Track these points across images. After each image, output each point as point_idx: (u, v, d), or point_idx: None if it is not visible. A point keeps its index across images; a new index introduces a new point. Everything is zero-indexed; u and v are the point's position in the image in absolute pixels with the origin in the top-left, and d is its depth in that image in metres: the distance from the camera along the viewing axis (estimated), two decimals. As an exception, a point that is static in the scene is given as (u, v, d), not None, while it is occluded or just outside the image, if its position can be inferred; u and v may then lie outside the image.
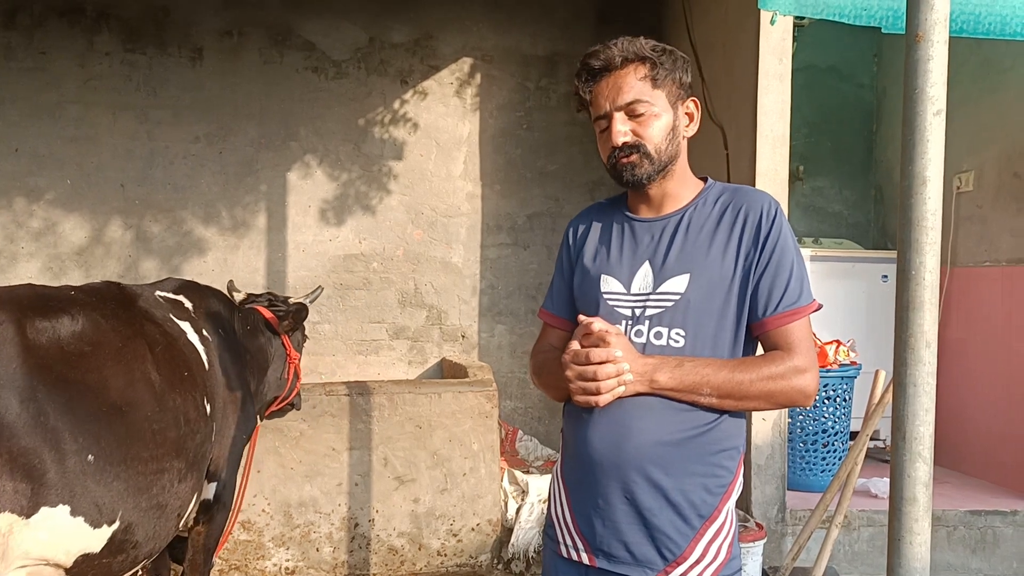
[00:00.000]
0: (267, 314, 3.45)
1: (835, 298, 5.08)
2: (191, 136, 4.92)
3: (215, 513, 2.96)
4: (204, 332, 2.91)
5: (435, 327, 5.29)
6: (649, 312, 1.72)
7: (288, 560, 4.41)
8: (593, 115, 1.81)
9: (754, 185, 4.08)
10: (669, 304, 1.71)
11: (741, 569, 1.76)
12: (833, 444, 4.48)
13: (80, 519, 2.18)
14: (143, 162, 4.86)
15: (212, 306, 3.14)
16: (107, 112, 4.81)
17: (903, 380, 2.61)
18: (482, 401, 4.53)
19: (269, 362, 3.45)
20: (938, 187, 1.64)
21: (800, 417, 4.48)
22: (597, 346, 1.62)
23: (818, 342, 4.54)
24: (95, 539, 2.25)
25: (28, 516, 2.08)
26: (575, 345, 1.65)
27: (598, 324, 1.63)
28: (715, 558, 1.68)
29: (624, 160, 1.76)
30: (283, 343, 3.52)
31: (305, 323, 3.78)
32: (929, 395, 1.74)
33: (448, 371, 5.22)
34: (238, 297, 3.54)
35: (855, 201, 6.21)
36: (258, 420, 3.62)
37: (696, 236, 1.74)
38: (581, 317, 1.69)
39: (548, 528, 1.84)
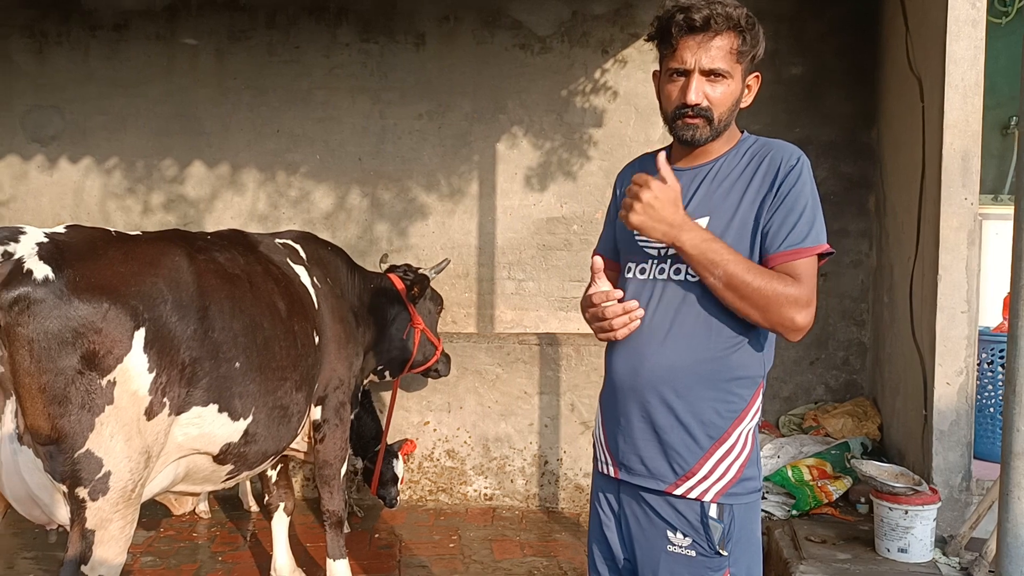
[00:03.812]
0: (399, 285, 4.05)
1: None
2: (415, 113, 5.56)
3: (327, 432, 3.52)
4: (315, 278, 3.47)
5: (631, 286, 5.55)
6: (672, 252, 1.92)
7: (487, 488, 4.96)
8: (670, 63, 1.95)
9: (941, 138, 3.90)
10: None
11: (760, 490, 1.92)
12: (1040, 416, 4.16)
13: (225, 415, 2.80)
14: (376, 138, 5.59)
15: (324, 257, 3.71)
16: (347, 95, 5.58)
17: (1015, 333, 2.56)
18: (664, 355, 4.75)
19: (389, 321, 4.00)
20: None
21: (1002, 386, 4.20)
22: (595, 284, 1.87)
23: None
24: (235, 431, 2.86)
25: (183, 414, 2.70)
26: (590, 289, 1.91)
27: (598, 261, 1.88)
28: (724, 475, 1.86)
29: (689, 120, 1.94)
30: (408, 309, 4.10)
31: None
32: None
33: (643, 328, 5.46)
34: (383, 266, 4.21)
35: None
36: (387, 375, 4.24)
37: (720, 183, 1.91)
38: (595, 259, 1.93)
39: (593, 447, 2.12)
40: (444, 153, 5.56)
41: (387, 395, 5.06)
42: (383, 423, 4.71)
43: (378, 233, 5.61)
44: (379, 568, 4.14)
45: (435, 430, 5.03)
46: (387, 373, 4.32)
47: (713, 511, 1.83)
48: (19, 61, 5.60)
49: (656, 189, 1.82)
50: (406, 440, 4.84)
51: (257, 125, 5.60)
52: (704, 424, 1.86)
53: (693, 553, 1.84)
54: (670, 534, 1.86)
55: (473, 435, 4.99)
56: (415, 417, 5.03)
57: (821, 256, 1.87)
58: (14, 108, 5.62)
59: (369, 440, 4.63)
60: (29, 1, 5.56)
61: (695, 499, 1.85)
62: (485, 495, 4.98)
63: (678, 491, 1.87)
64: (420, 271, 4.33)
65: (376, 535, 4.58)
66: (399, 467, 4.59)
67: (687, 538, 1.84)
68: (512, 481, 4.96)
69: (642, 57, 5.47)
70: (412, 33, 5.52)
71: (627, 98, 5.47)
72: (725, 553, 1.82)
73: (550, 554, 4.35)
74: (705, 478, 1.86)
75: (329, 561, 3.64)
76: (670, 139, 2.07)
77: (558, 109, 5.50)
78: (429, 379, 4.89)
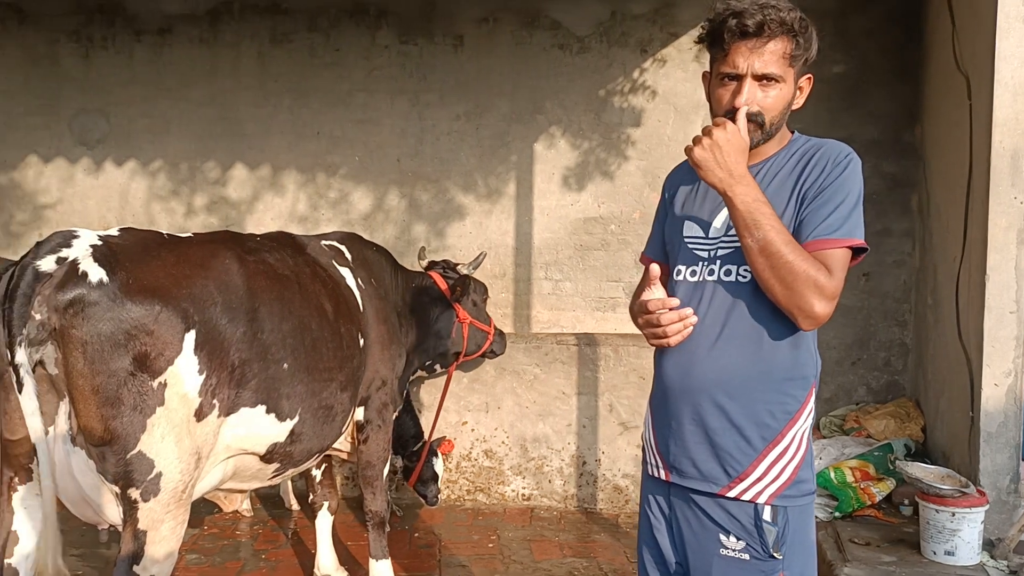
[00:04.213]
0: (442, 284, 4.07)
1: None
2: (453, 114, 5.59)
3: (370, 433, 3.53)
4: (359, 280, 3.48)
5: (670, 286, 5.52)
6: (721, 253, 1.92)
7: (524, 488, 4.97)
8: (722, 68, 1.91)
9: (990, 136, 3.84)
10: (738, 245, 1.88)
11: (814, 492, 1.90)
12: (1091, 419, 4.08)
13: (272, 416, 2.82)
14: (414, 139, 5.62)
15: (369, 258, 3.72)
16: (386, 97, 5.62)
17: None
18: (703, 356, 4.73)
19: (433, 320, 4.02)
20: None
21: (1051, 387, 4.12)
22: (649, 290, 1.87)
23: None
24: (281, 431, 2.89)
25: (232, 415, 2.72)
26: (644, 296, 1.91)
27: (655, 269, 1.88)
28: (777, 477, 1.84)
29: None
30: (453, 306, 4.13)
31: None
32: None
33: (682, 328, 5.44)
34: (422, 264, 4.22)
35: None
36: (438, 368, 4.27)
37: (769, 183, 1.90)
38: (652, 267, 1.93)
39: (642, 451, 2.11)
40: (482, 154, 5.58)
41: (426, 395, 5.09)
42: (421, 422, 4.74)
43: (416, 234, 5.64)
44: (419, 567, 4.17)
45: (473, 430, 5.05)
46: (437, 366, 4.35)
47: (767, 513, 1.81)
48: (66, 66, 5.72)
49: (731, 132, 1.82)
50: (444, 439, 4.87)
51: (298, 127, 5.66)
52: (758, 426, 1.84)
53: (747, 556, 1.82)
54: (723, 537, 1.85)
55: (511, 435, 5.00)
56: (453, 417, 5.05)
57: (856, 254, 1.85)
58: (61, 112, 5.74)
59: (408, 439, 4.66)
60: (76, 6, 5.67)
61: (748, 501, 1.84)
62: (523, 495, 4.99)
63: (731, 493, 1.85)
64: (459, 267, 4.35)
65: (415, 534, 4.61)
66: (439, 465, 4.62)
67: (740, 541, 1.83)
68: (550, 481, 4.96)
69: (681, 57, 5.44)
70: (451, 35, 5.55)
71: (666, 97, 5.45)
72: (779, 556, 1.80)
73: (590, 555, 4.34)
74: (759, 480, 1.84)
75: (372, 561, 3.66)
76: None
77: (596, 109, 5.50)
78: (468, 378, 4.93)
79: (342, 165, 5.67)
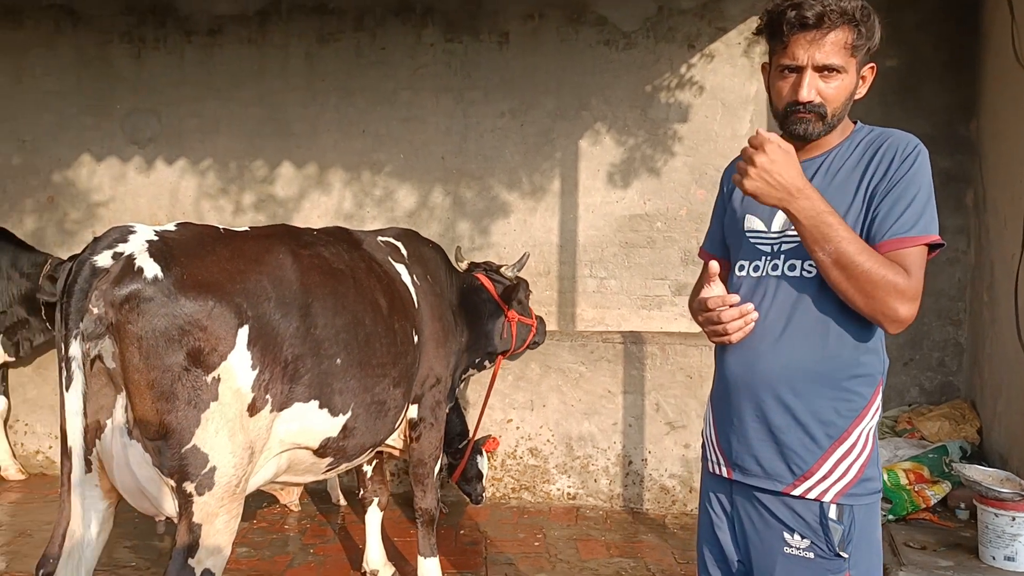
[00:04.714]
0: (489, 286, 4.06)
1: None
2: (498, 112, 5.58)
3: (423, 431, 3.50)
4: (415, 276, 3.46)
5: (717, 284, 5.46)
6: (785, 247, 1.88)
7: (570, 487, 4.95)
8: (781, 60, 1.87)
9: (1052, 131, 3.73)
10: None
11: (880, 491, 1.85)
12: None
13: (325, 411, 2.82)
14: (459, 136, 5.63)
15: (425, 255, 3.70)
16: (431, 95, 5.63)
17: None
18: (752, 355, 4.67)
19: (483, 318, 4.00)
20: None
21: (1116, 389, 4.00)
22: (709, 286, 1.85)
23: None
24: (334, 426, 2.88)
25: (285, 410, 2.72)
26: (704, 292, 1.88)
27: (714, 265, 1.85)
28: (844, 475, 1.80)
29: (801, 115, 1.87)
30: (501, 305, 4.11)
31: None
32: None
33: (729, 327, 5.37)
34: (462, 265, 4.21)
35: None
36: (486, 365, 4.25)
37: (833, 176, 1.86)
38: (711, 264, 1.90)
39: (702, 448, 2.08)
40: (526, 151, 5.57)
41: (471, 392, 5.09)
42: (467, 420, 4.74)
43: (460, 231, 5.64)
44: (466, 564, 4.16)
45: (518, 428, 5.04)
46: (486, 363, 4.34)
47: (833, 512, 1.78)
48: (119, 66, 5.82)
49: (771, 153, 1.76)
50: (489, 437, 4.86)
51: (344, 126, 5.69)
52: (823, 423, 1.81)
53: (811, 555, 1.79)
54: (787, 535, 1.81)
55: (556, 433, 4.98)
56: (498, 415, 5.04)
57: (932, 249, 1.81)
58: (114, 112, 5.84)
59: (453, 436, 4.66)
60: (128, 8, 5.76)
61: (814, 499, 1.80)
62: (568, 494, 4.97)
63: (796, 491, 1.82)
64: (501, 268, 4.33)
65: (461, 531, 4.61)
66: (484, 464, 4.61)
67: (805, 540, 1.79)
68: (596, 481, 4.93)
69: (729, 52, 5.38)
70: (496, 32, 5.54)
71: (713, 92, 5.39)
72: (845, 555, 1.76)
73: (636, 555, 4.30)
74: (824, 478, 1.81)
75: (420, 559, 3.65)
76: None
77: (642, 105, 5.45)
78: (513, 375, 4.92)
79: (387, 163, 5.69)
